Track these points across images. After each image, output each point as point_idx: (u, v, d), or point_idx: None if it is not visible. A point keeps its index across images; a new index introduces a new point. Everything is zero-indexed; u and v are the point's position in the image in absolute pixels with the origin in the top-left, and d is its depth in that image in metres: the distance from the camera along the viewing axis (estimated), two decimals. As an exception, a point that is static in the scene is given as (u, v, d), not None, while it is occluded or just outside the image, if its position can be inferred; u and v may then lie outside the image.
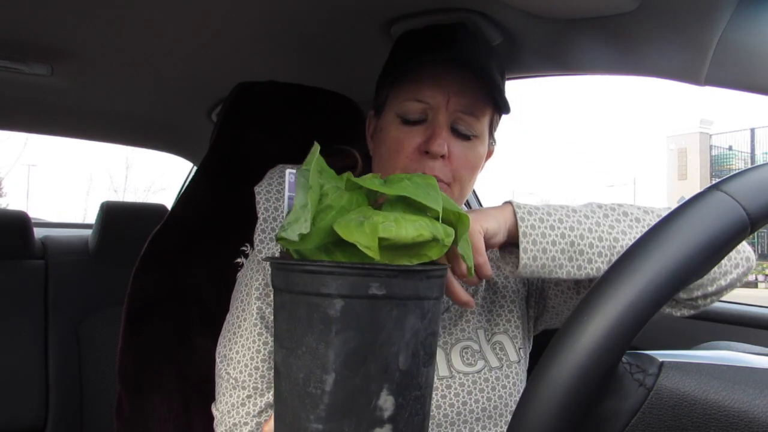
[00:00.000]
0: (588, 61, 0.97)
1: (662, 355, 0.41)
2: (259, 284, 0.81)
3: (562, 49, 0.96)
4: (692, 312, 0.74)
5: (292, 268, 0.48)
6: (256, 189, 0.84)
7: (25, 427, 1.65)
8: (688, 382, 0.38)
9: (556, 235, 0.66)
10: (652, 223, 0.67)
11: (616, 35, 0.84)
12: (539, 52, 1.00)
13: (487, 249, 0.67)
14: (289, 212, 0.55)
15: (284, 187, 0.59)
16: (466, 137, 0.79)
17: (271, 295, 0.80)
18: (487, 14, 0.92)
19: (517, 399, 0.80)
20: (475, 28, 0.94)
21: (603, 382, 0.37)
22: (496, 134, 0.88)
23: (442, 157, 0.77)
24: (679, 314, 0.74)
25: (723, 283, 0.69)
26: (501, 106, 0.82)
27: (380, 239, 0.46)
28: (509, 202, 0.69)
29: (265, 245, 0.81)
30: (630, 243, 0.61)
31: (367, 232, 0.47)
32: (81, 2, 0.98)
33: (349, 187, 0.54)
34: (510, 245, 0.70)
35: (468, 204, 1.58)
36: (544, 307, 0.87)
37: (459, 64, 0.79)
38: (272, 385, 0.80)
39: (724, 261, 0.66)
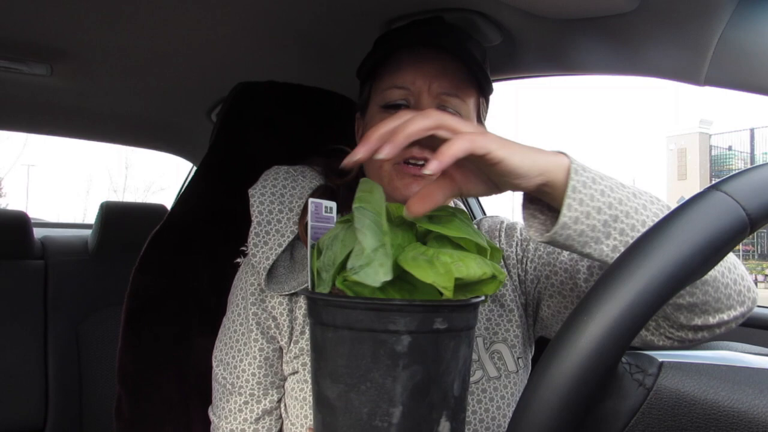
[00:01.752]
0: (588, 61, 0.97)
1: (662, 355, 0.41)
2: (255, 289, 0.80)
3: (562, 49, 0.96)
4: (684, 342, 0.68)
5: (355, 305, 0.49)
6: (250, 191, 0.82)
7: (25, 427, 1.65)
8: (687, 383, 0.38)
9: (604, 204, 0.56)
10: None
11: (616, 35, 0.84)
12: (539, 52, 1.00)
13: (500, 187, 0.57)
14: (314, 242, 0.58)
15: (308, 215, 0.59)
16: None
17: (267, 301, 0.79)
18: (487, 14, 0.92)
19: None
20: (475, 28, 0.94)
21: (603, 382, 0.37)
22: (488, 125, 0.87)
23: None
24: (670, 342, 0.68)
25: (725, 317, 0.63)
26: (485, 87, 0.81)
27: (454, 279, 0.49)
28: (563, 152, 0.58)
29: (259, 249, 0.79)
30: None
31: (442, 272, 0.48)
32: (81, 2, 0.98)
33: (397, 222, 0.56)
34: (538, 204, 0.61)
35: (468, 205, 1.58)
36: (536, 318, 0.84)
37: (438, 48, 0.79)
38: (269, 391, 0.80)
39: (734, 295, 0.62)
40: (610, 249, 0.57)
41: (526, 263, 0.83)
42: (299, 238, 0.82)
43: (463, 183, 0.57)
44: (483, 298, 0.53)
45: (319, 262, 0.56)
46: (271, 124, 1.07)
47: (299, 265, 0.80)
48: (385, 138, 0.52)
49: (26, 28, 1.10)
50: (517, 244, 0.85)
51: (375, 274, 0.49)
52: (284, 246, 0.79)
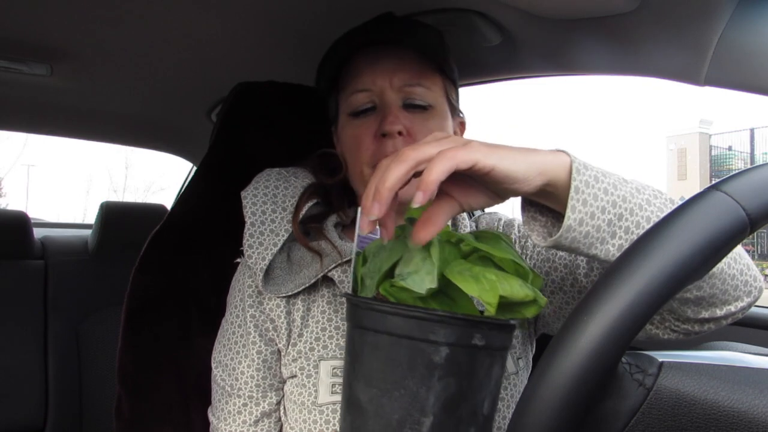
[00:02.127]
0: (588, 61, 0.97)
1: (662, 355, 0.41)
2: (252, 291, 0.80)
3: (562, 49, 0.96)
4: (690, 335, 0.68)
5: (398, 312, 0.50)
6: (243, 193, 0.82)
7: (25, 427, 1.65)
8: (687, 383, 0.38)
9: (608, 202, 0.54)
10: None
11: (616, 35, 0.84)
12: (539, 52, 1.00)
13: (501, 196, 0.55)
14: (360, 250, 0.59)
15: (356, 224, 0.59)
16: (421, 108, 0.78)
17: (265, 303, 0.79)
18: (487, 14, 0.92)
19: None
20: (475, 28, 0.94)
21: (603, 382, 0.37)
22: (462, 107, 0.87)
23: (401, 134, 0.76)
24: (675, 335, 0.68)
25: (733, 308, 0.63)
26: (446, 70, 0.81)
27: (499, 297, 0.50)
28: (563, 150, 0.56)
29: (254, 250, 0.79)
30: None
31: (487, 288, 0.50)
32: (81, 2, 0.98)
33: (443, 238, 0.57)
34: (537, 205, 0.59)
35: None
36: (537, 316, 0.83)
37: (391, 42, 0.79)
38: (267, 393, 0.80)
39: (741, 285, 0.61)
40: (615, 249, 0.56)
41: (525, 260, 0.82)
42: (294, 239, 0.83)
43: (462, 199, 0.56)
44: (519, 322, 0.54)
45: (364, 269, 0.57)
46: (271, 124, 1.07)
47: (296, 267, 0.80)
48: (372, 197, 0.50)
49: (26, 28, 1.10)
50: (515, 242, 0.84)
51: (422, 281, 0.51)
52: (279, 245, 0.79)
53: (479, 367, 0.50)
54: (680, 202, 0.63)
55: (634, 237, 0.56)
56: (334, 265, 0.77)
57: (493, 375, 0.51)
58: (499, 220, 0.88)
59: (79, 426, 1.71)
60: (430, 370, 0.49)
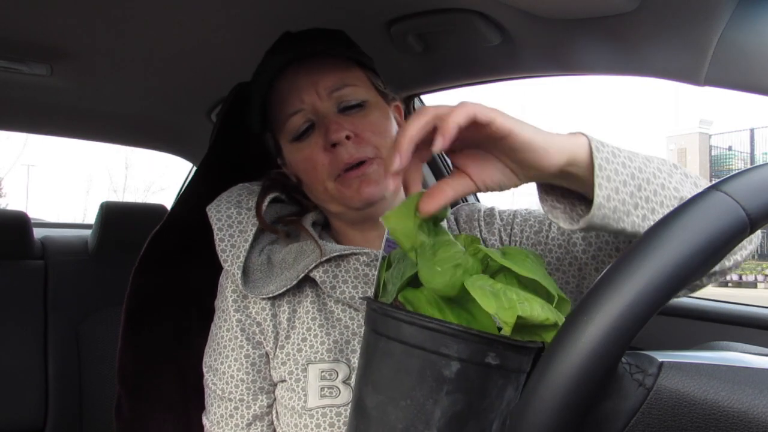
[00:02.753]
0: (588, 61, 0.97)
1: (662, 355, 0.41)
2: (237, 296, 0.80)
3: (562, 49, 0.96)
4: (695, 290, 0.69)
5: (413, 321, 0.49)
6: (207, 208, 0.83)
7: (25, 427, 1.65)
8: (687, 383, 0.38)
9: (627, 175, 0.56)
10: (698, 181, 0.64)
11: (616, 35, 0.84)
12: (539, 52, 1.00)
13: (521, 172, 0.55)
14: (386, 254, 0.60)
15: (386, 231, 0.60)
16: (357, 107, 0.79)
17: (251, 307, 0.79)
18: (486, 14, 0.92)
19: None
20: (475, 28, 0.94)
21: (603, 382, 0.37)
22: (388, 90, 0.87)
23: (348, 138, 0.76)
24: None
25: (728, 263, 0.64)
26: (362, 60, 0.82)
27: (517, 317, 0.48)
28: (579, 132, 0.57)
29: (228, 253, 0.79)
30: (687, 196, 0.58)
31: (506, 306, 0.48)
32: (81, 2, 0.98)
33: (471, 252, 0.56)
34: (553, 194, 0.60)
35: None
36: None
37: (301, 57, 0.79)
38: (258, 396, 0.80)
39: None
40: (640, 219, 0.57)
41: (515, 244, 0.82)
42: (273, 242, 0.83)
43: (476, 175, 0.55)
44: (541, 344, 0.52)
45: (387, 274, 0.57)
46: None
47: (278, 269, 0.80)
48: (394, 149, 0.51)
49: (26, 28, 1.10)
50: (499, 231, 0.83)
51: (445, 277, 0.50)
52: (250, 240, 0.79)
53: (491, 386, 0.49)
54: (681, 168, 0.64)
55: (654, 205, 0.58)
56: (314, 264, 0.76)
57: (505, 396, 0.50)
58: (479, 210, 0.87)
59: (79, 426, 1.71)
60: (439, 384, 0.48)
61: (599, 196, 0.54)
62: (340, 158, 0.76)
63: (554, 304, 0.53)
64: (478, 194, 1.63)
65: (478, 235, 0.83)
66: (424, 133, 0.51)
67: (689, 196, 0.58)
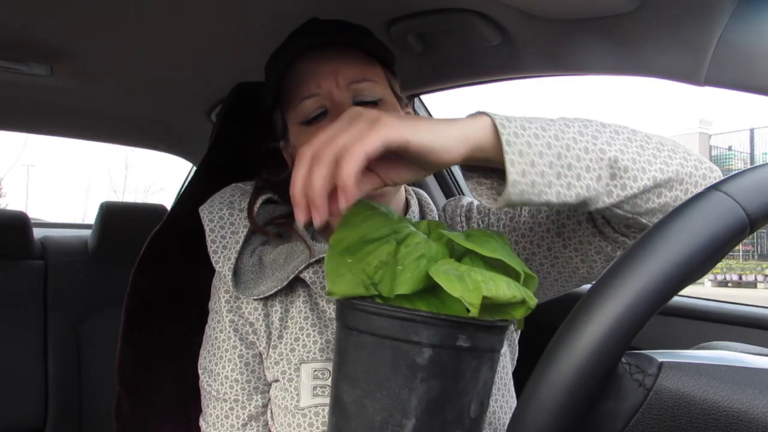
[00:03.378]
0: (588, 62, 0.97)
1: (662, 355, 0.41)
2: (229, 297, 0.80)
3: (562, 49, 0.96)
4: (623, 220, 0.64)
5: (381, 312, 0.49)
6: (200, 209, 0.83)
7: (25, 427, 1.65)
8: (687, 383, 0.38)
9: (542, 145, 0.54)
10: (633, 135, 0.61)
11: (616, 35, 0.84)
12: (539, 52, 1.00)
13: (426, 168, 0.55)
14: None
15: None
16: (372, 103, 0.78)
17: (243, 308, 0.79)
18: (486, 14, 0.92)
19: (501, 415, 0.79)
20: (474, 29, 0.94)
21: (602, 382, 0.37)
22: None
23: None
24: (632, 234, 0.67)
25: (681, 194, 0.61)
26: (385, 59, 0.81)
27: (482, 297, 0.48)
28: (482, 112, 0.55)
29: (219, 255, 0.79)
30: (617, 156, 0.57)
31: (471, 288, 0.48)
32: (81, 2, 0.98)
33: (435, 237, 0.56)
34: (478, 170, 0.59)
35: (458, 189, 1.57)
36: None
37: (328, 44, 0.79)
38: (253, 396, 0.80)
39: (700, 180, 0.61)
40: (565, 188, 0.55)
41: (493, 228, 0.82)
42: (264, 243, 0.83)
43: (384, 174, 0.55)
44: (510, 322, 0.53)
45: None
46: (270, 125, 1.07)
47: (269, 270, 0.80)
48: (305, 206, 0.51)
49: (26, 28, 1.10)
50: (478, 223, 0.84)
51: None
52: (241, 242, 0.79)
53: (465, 369, 0.49)
54: (617, 125, 0.61)
55: (579, 171, 0.56)
56: (304, 265, 0.76)
57: (480, 377, 0.50)
58: (461, 206, 0.87)
59: (79, 426, 1.71)
60: (413, 372, 0.48)
61: (512, 173, 0.52)
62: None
63: (521, 282, 0.53)
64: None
65: (460, 231, 0.83)
66: (331, 181, 0.50)
67: (623, 155, 0.57)
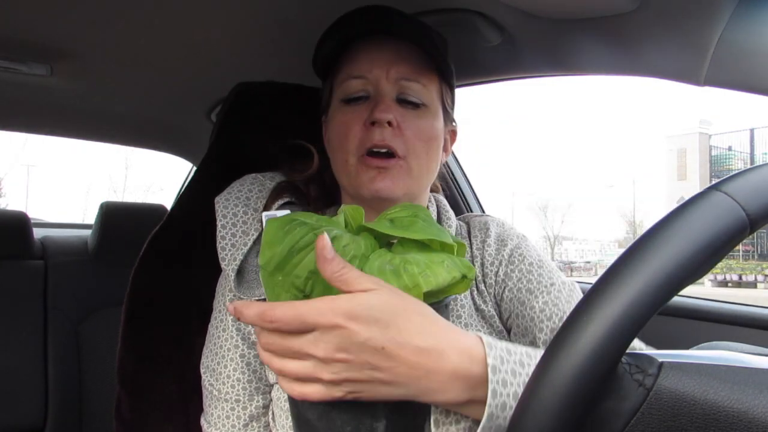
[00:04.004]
0: (588, 61, 0.97)
1: (662, 355, 0.41)
2: (233, 296, 0.80)
3: (562, 49, 0.96)
4: None
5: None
6: (216, 199, 0.82)
7: (25, 427, 1.65)
8: (687, 383, 0.38)
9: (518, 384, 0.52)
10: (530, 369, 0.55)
11: (616, 35, 0.84)
12: (539, 52, 1.00)
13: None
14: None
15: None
16: (414, 105, 0.77)
17: None
18: (486, 14, 0.92)
19: None
20: (475, 28, 0.94)
21: (602, 382, 0.37)
22: (452, 112, 0.85)
23: (390, 124, 0.74)
24: None
25: None
26: (445, 72, 0.80)
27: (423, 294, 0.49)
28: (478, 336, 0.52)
29: (227, 252, 0.79)
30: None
31: (411, 286, 0.49)
32: (81, 2, 0.98)
33: (358, 230, 0.55)
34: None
35: (467, 206, 1.57)
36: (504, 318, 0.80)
37: (392, 34, 0.77)
38: (254, 397, 0.79)
39: None
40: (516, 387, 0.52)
41: (505, 290, 0.79)
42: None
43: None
44: (453, 297, 0.53)
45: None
46: (270, 125, 1.07)
47: None
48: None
49: (26, 28, 1.10)
50: (504, 263, 0.80)
51: None
52: (250, 244, 0.79)
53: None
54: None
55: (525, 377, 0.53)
56: None
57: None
58: (488, 229, 0.83)
59: (79, 426, 1.71)
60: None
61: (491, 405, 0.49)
62: (372, 137, 0.74)
63: (455, 252, 0.53)
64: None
65: (481, 248, 0.81)
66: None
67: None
